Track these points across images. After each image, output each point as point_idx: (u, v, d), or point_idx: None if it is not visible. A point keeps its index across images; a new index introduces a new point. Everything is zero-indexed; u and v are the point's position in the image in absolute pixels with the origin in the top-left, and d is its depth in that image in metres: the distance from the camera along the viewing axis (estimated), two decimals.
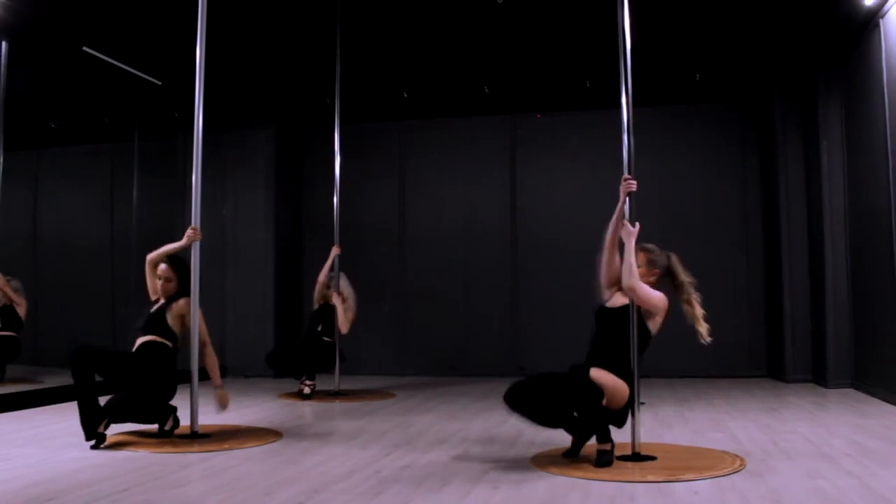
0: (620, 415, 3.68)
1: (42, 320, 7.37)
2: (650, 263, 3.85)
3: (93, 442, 4.07)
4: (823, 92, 6.69)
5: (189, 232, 4.44)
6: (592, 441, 3.67)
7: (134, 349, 4.38)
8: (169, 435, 4.34)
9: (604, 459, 3.54)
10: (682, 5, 6.35)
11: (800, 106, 7.14)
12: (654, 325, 3.78)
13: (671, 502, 2.95)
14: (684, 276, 3.87)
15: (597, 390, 3.57)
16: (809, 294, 6.98)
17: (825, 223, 6.60)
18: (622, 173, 3.95)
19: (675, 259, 3.91)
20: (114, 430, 4.53)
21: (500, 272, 8.11)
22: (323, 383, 6.78)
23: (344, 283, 6.68)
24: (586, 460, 3.64)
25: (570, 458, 3.72)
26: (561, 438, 4.10)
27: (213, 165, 7.84)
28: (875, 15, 5.64)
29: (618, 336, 3.72)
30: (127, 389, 4.26)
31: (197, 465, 3.71)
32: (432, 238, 8.33)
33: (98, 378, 4.19)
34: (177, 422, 4.40)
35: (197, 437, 4.31)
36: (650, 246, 3.92)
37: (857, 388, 6.26)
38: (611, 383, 3.61)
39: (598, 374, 3.61)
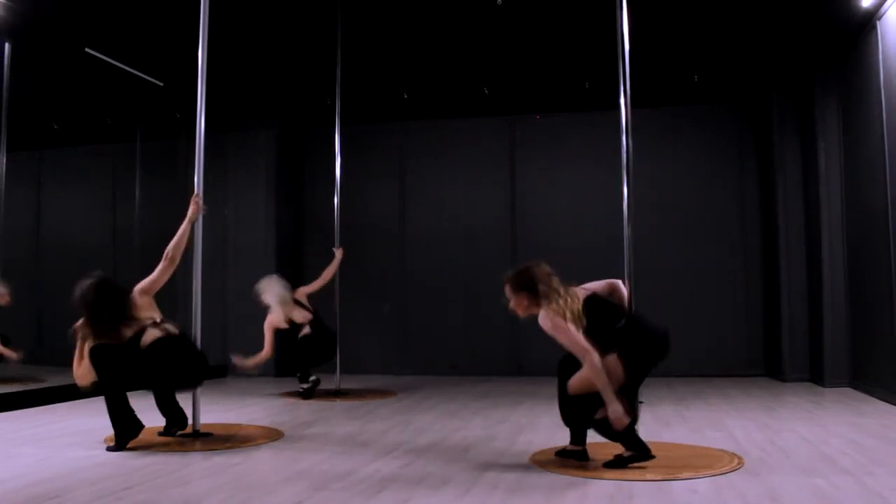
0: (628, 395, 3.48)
1: (44, 320, 7.39)
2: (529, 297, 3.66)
3: (111, 445, 4.06)
4: (821, 93, 6.73)
5: (192, 206, 4.39)
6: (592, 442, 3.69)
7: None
8: (172, 434, 4.36)
9: (617, 462, 3.49)
10: (680, 7, 6.37)
11: (797, 107, 7.17)
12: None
13: (670, 501, 2.97)
14: (543, 287, 3.60)
15: (582, 400, 3.49)
16: (807, 294, 7.01)
17: (823, 223, 6.63)
18: (621, 174, 3.99)
19: (536, 271, 3.67)
20: None
21: (500, 272, 8.09)
22: (323, 382, 6.82)
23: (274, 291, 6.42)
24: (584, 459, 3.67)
25: (560, 457, 3.72)
26: (561, 437, 4.13)
27: (215, 166, 7.86)
28: (872, 17, 5.67)
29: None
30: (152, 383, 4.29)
31: (199, 464, 3.73)
32: (432, 238, 8.36)
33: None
34: (183, 424, 4.40)
35: (199, 435, 4.34)
36: (509, 276, 3.76)
37: (855, 387, 6.29)
38: (594, 378, 3.42)
39: (573, 383, 3.49)
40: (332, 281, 6.68)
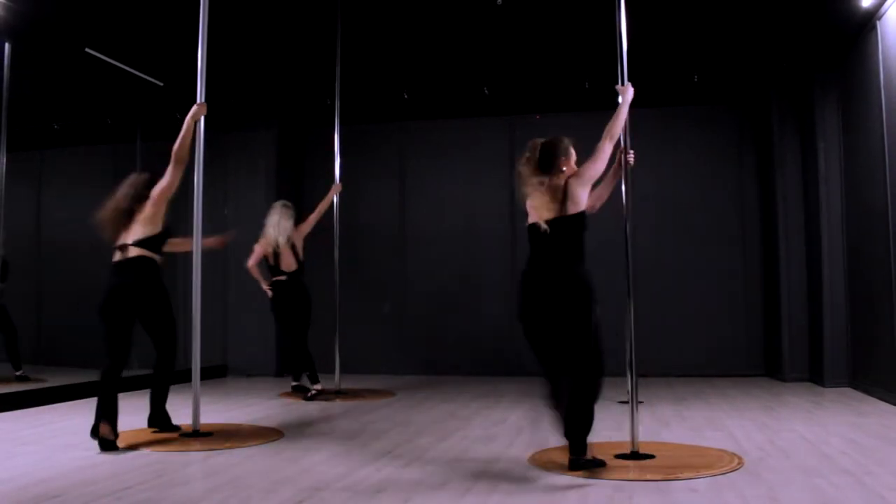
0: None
1: (45, 320, 7.39)
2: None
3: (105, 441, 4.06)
4: (820, 93, 6.72)
5: (197, 107, 4.44)
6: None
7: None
8: (175, 430, 4.39)
9: (576, 464, 3.44)
10: (679, 7, 6.38)
11: (797, 107, 7.17)
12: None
13: (669, 501, 2.97)
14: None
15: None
16: (807, 294, 7.01)
17: (822, 224, 6.63)
18: (621, 174, 3.99)
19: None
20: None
21: (500, 272, 8.13)
22: (323, 382, 6.83)
23: None
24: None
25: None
26: (560, 438, 4.14)
27: (215, 166, 7.86)
28: (872, 17, 5.67)
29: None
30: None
31: (198, 464, 3.73)
32: (432, 238, 8.36)
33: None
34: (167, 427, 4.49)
35: (198, 435, 4.34)
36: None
37: (855, 387, 6.29)
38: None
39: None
40: (326, 216, 6.62)
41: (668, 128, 7.92)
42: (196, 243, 4.53)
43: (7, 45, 6.23)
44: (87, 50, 6.71)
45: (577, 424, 3.48)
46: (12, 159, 6.41)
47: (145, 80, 7.49)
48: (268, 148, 8.40)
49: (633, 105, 3.99)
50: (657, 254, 7.67)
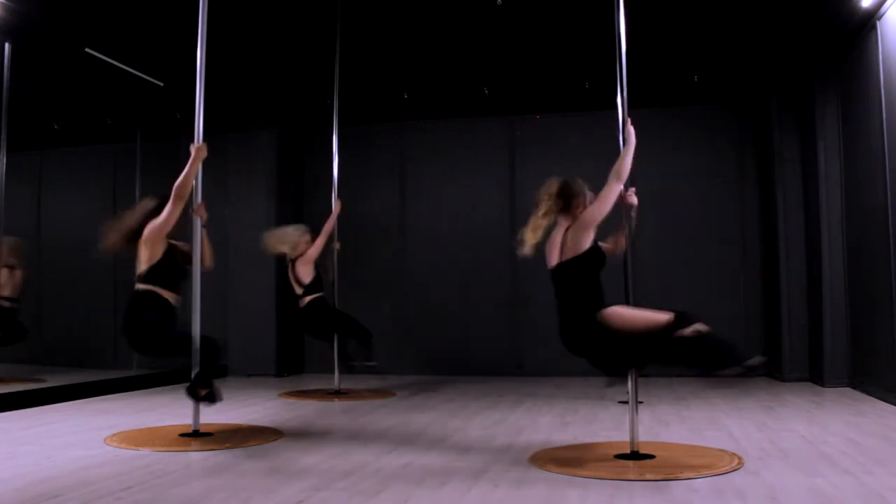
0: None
1: (45, 320, 7.39)
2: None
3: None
4: (820, 93, 6.72)
5: (197, 151, 4.37)
6: None
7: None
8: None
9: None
10: (679, 7, 6.38)
11: (797, 107, 7.17)
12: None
13: (669, 500, 2.97)
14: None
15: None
16: (807, 293, 7.01)
17: (822, 223, 6.63)
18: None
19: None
20: (116, 428, 4.58)
21: (500, 272, 8.13)
22: (323, 382, 6.84)
23: None
24: (587, 458, 3.67)
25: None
26: (560, 437, 4.14)
27: (215, 167, 7.85)
28: (872, 17, 5.67)
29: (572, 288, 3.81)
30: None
31: (198, 464, 3.73)
32: (432, 238, 8.36)
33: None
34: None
35: (198, 435, 4.34)
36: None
37: (855, 387, 6.29)
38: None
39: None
40: (331, 239, 6.67)
41: (668, 128, 7.91)
42: (196, 245, 4.53)
43: (7, 45, 6.22)
44: (87, 50, 6.71)
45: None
46: (13, 159, 6.40)
47: (145, 80, 7.48)
48: (268, 148, 8.40)
49: (633, 105, 4.00)
50: (657, 254, 7.66)
